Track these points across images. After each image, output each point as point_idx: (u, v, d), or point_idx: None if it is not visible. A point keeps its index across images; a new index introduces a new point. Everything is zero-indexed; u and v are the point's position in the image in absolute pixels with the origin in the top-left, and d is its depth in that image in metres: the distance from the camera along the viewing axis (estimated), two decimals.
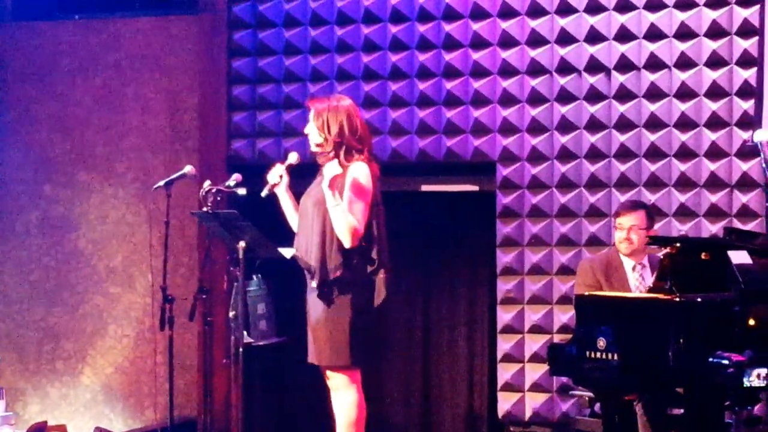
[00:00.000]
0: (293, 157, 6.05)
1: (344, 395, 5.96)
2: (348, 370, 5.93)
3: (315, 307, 5.95)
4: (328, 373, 5.99)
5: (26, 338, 8.61)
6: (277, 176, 6.01)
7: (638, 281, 6.62)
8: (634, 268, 6.68)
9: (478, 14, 7.79)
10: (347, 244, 5.83)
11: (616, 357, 5.42)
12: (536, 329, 7.70)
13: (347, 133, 5.90)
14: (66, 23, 8.59)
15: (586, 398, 6.87)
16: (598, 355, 5.49)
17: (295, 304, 7.84)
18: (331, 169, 5.87)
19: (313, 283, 5.90)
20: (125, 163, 8.45)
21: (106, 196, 8.48)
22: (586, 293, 6.28)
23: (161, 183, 6.89)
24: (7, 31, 8.64)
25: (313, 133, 5.99)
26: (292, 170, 6.10)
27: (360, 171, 5.88)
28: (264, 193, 6.01)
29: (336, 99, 6.06)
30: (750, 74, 7.26)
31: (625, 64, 7.51)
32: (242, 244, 6.06)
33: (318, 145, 5.98)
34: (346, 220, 5.82)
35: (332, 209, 5.85)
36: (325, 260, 5.88)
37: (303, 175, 6.23)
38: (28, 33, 8.62)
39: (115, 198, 8.47)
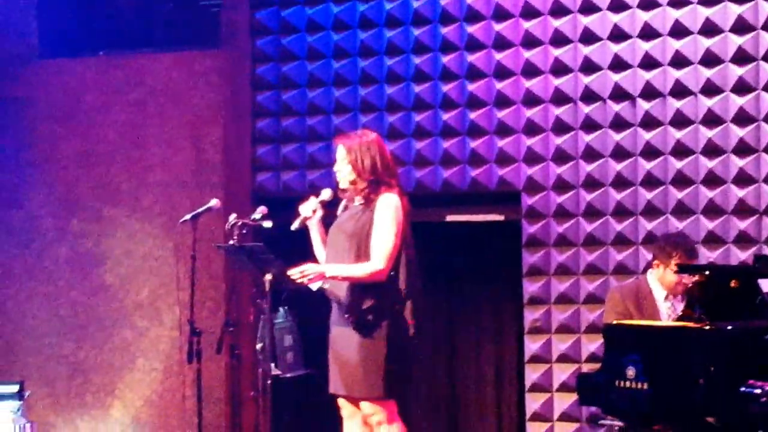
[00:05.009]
0: (327, 194, 5.99)
1: (388, 429, 5.84)
2: (384, 402, 5.83)
3: (343, 337, 5.88)
4: (367, 406, 5.86)
5: (56, 372, 8.62)
6: (310, 210, 5.97)
7: (670, 310, 6.54)
8: (666, 298, 6.59)
9: (501, 45, 7.79)
10: (378, 280, 5.76)
11: (645, 386, 5.38)
12: (564, 358, 7.66)
13: (380, 168, 5.85)
14: (90, 60, 8.64)
15: (616, 428, 6.80)
16: (628, 384, 5.45)
17: (322, 335, 7.83)
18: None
19: (345, 314, 5.85)
20: (151, 198, 8.47)
21: (132, 230, 8.50)
22: (615, 322, 6.23)
23: (187, 217, 6.92)
24: (34, 69, 8.69)
25: (344, 170, 5.90)
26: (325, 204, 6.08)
27: (390, 202, 5.80)
28: (295, 226, 5.97)
29: (364, 134, 5.99)
30: None
31: (650, 92, 7.49)
32: (269, 276, 6.05)
33: (351, 182, 5.90)
34: (361, 273, 5.76)
35: (344, 275, 5.80)
36: (357, 291, 5.82)
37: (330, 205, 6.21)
38: (54, 70, 8.67)
39: (142, 232, 8.49)
